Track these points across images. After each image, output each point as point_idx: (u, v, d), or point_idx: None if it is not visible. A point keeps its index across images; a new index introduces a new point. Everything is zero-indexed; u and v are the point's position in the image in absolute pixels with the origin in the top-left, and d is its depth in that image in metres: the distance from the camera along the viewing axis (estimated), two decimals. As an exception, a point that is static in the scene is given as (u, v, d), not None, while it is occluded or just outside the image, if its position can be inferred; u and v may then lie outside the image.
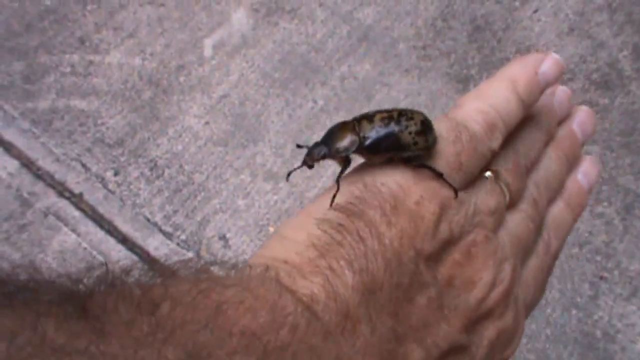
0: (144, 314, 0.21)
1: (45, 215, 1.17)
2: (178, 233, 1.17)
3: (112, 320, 0.21)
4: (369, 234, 0.29)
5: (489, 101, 0.34)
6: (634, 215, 1.21)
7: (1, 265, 0.21)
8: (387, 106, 1.29)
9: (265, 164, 1.24)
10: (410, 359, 0.28)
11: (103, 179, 1.22)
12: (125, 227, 1.17)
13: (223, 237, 1.17)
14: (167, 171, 1.23)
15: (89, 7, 1.42)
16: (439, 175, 0.31)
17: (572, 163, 0.40)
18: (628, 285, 1.15)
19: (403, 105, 1.31)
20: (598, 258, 1.17)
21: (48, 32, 1.38)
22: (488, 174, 0.34)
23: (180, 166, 1.24)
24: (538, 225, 0.36)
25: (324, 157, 0.32)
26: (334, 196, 0.30)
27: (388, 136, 0.32)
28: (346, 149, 0.31)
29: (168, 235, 1.17)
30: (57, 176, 1.21)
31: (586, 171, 0.40)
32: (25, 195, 1.19)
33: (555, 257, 0.38)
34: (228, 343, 0.22)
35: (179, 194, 1.21)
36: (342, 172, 0.31)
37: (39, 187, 1.20)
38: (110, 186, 1.21)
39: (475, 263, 0.31)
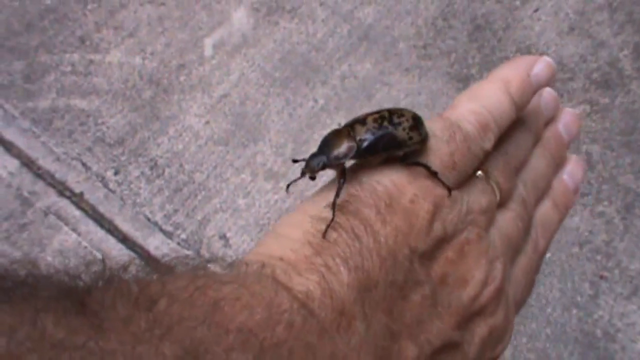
0: (142, 310, 0.21)
1: (46, 214, 1.17)
2: (178, 232, 1.17)
3: (110, 316, 0.21)
4: (364, 231, 0.29)
5: (482, 102, 0.35)
6: (634, 215, 1.21)
7: (0, 261, 0.21)
8: (387, 105, 1.29)
9: (265, 163, 1.24)
10: (404, 355, 0.29)
11: (103, 178, 1.22)
12: (125, 227, 1.17)
13: (223, 237, 1.17)
14: (167, 170, 1.23)
15: (89, 7, 1.42)
16: (433, 174, 0.31)
17: (558, 163, 0.41)
18: (628, 284, 1.15)
19: (403, 104, 1.31)
20: (598, 257, 1.17)
21: (48, 32, 1.38)
22: (479, 173, 0.35)
23: (181, 165, 1.24)
24: (527, 224, 0.37)
25: (323, 167, 0.32)
26: (334, 203, 0.30)
27: (384, 135, 0.32)
28: (345, 155, 0.32)
29: (168, 235, 1.17)
30: (57, 175, 1.21)
31: (572, 171, 0.41)
32: (25, 194, 1.19)
33: (542, 255, 0.39)
34: (225, 339, 0.22)
35: (179, 193, 1.21)
36: (341, 182, 0.31)
37: (40, 186, 1.20)
38: (111, 185, 1.21)
39: (468, 261, 0.32)
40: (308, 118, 1.29)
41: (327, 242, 0.28)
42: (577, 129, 0.42)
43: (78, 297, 0.21)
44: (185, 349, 0.21)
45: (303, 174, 0.33)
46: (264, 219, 1.19)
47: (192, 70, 1.35)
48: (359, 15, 1.43)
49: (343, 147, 0.32)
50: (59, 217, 1.17)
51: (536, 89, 0.38)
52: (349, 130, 0.33)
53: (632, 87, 1.34)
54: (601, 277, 1.15)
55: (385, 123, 0.33)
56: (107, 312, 0.21)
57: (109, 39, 1.38)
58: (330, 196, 0.30)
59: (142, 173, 1.23)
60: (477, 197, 0.33)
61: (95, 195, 1.20)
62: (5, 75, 1.32)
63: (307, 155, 0.33)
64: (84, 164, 1.23)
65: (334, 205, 0.29)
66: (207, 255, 1.12)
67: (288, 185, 0.34)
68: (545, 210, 0.39)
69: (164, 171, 1.23)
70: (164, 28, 1.40)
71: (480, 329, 0.32)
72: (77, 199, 1.19)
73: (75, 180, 1.21)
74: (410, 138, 0.32)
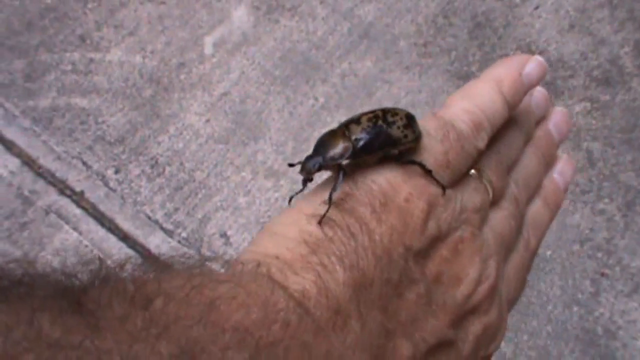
0: (138, 309, 0.21)
1: (47, 213, 1.17)
2: (179, 231, 1.17)
3: (107, 315, 0.21)
4: (360, 230, 0.29)
5: (475, 101, 0.35)
6: (635, 212, 1.21)
7: None
8: (387, 104, 1.29)
9: (266, 162, 1.24)
10: (399, 353, 0.29)
11: (104, 176, 1.22)
12: (126, 225, 1.17)
13: (224, 235, 1.17)
14: (168, 169, 1.23)
15: (89, 5, 1.42)
16: (428, 173, 0.31)
17: (548, 162, 0.41)
18: (629, 281, 1.15)
19: (404, 102, 1.31)
20: (599, 255, 1.17)
21: (49, 30, 1.38)
22: (472, 172, 0.35)
23: (181, 164, 1.24)
24: (519, 223, 0.37)
25: (319, 169, 0.32)
26: (330, 197, 0.30)
27: (379, 134, 0.32)
28: (341, 155, 0.31)
29: (169, 233, 1.17)
30: (58, 174, 1.22)
31: (562, 170, 0.42)
32: (26, 193, 1.19)
33: (534, 253, 0.39)
34: (221, 338, 0.22)
35: (179, 191, 1.21)
36: (340, 178, 0.31)
37: (40, 185, 1.20)
38: (111, 184, 1.22)
39: (462, 259, 0.32)
40: (308, 116, 1.29)
41: (322, 241, 0.28)
42: (568, 128, 0.43)
43: (74, 296, 0.21)
44: (182, 348, 0.21)
45: (304, 182, 0.32)
46: (264, 217, 1.19)
47: (193, 68, 1.35)
48: (359, 13, 1.43)
49: (339, 147, 0.32)
50: (60, 215, 1.17)
51: (528, 88, 0.38)
52: (344, 130, 0.33)
53: (632, 84, 1.34)
54: (602, 274, 1.15)
55: (380, 122, 0.33)
56: (103, 311, 0.21)
57: (110, 38, 1.38)
58: (324, 195, 0.30)
59: (143, 171, 1.23)
60: (470, 196, 0.34)
61: (95, 194, 1.20)
62: (5, 74, 1.32)
63: (303, 157, 0.33)
64: (84, 163, 1.23)
65: (330, 199, 0.29)
66: (207, 253, 1.12)
67: (291, 198, 0.34)
68: (537, 209, 0.40)
69: (164, 170, 1.23)
70: (164, 26, 1.40)
71: (474, 327, 0.32)
72: (78, 198, 1.20)
73: (75, 179, 1.21)
74: (405, 136, 0.32)
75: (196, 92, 1.32)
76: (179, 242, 1.16)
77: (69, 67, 1.34)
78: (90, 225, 1.17)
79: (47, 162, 1.23)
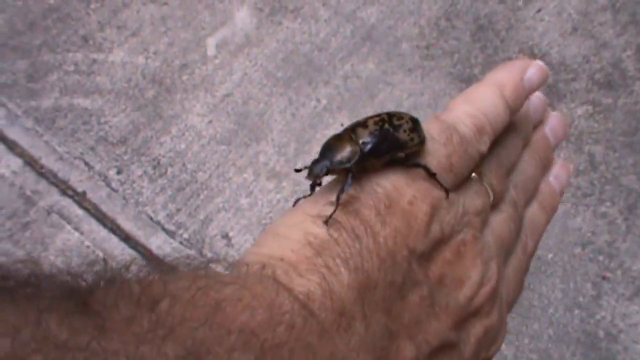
0: (144, 311, 0.22)
1: (49, 213, 1.17)
2: (181, 231, 1.17)
3: (113, 316, 0.21)
4: (364, 232, 0.29)
5: (477, 105, 0.36)
6: (636, 215, 1.21)
7: (2, 260, 0.21)
8: (390, 106, 1.29)
9: (268, 163, 1.24)
10: (403, 355, 0.29)
11: (106, 177, 1.22)
12: (128, 226, 1.18)
13: (226, 236, 1.17)
14: (170, 170, 1.23)
15: (92, 6, 1.42)
16: (432, 175, 0.32)
17: (545, 166, 0.42)
18: (631, 285, 1.15)
19: (406, 105, 1.31)
20: (601, 258, 1.17)
21: (51, 31, 1.38)
22: (473, 175, 0.35)
23: (183, 165, 1.24)
24: (518, 226, 0.38)
25: (327, 173, 0.32)
26: (338, 198, 0.30)
27: (386, 137, 0.32)
28: (349, 159, 0.31)
29: (171, 234, 1.17)
30: (60, 174, 1.22)
31: (557, 174, 0.42)
32: (28, 193, 1.19)
33: (531, 256, 0.40)
34: (227, 340, 0.22)
35: (181, 192, 1.21)
36: (345, 184, 0.31)
37: (42, 185, 1.20)
38: (113, 184, 1.22)
39: (464, 262, 0.32)
40: (311, 118, 1.29)
41: (327, 243, 0.28)
42: (564, 133, 0.43)
43: (81, 297, 0.21)
44: (188, 350, 0.21)
45: (312, 187, 0.32)
46: (266, 218, 1.19)
47: (195, 69, 1.35)
48: (361, 15, 1.43)
49: (346, 151, 0.32)
50: (62, 216, 1.17)
51: (529, 92, 0.38)
52: (350, 134, 0.33)
53: (635, 87, 1.34)
54: (603, 277, 1.15)
55: (387, 126, 0.33)
56: (109, 312, 0.21)
57: (112, 39, 1.38)
58: (329, 197, 0.30)
59: (145, 172, 1.23)
60: (472, 199, 0.34)
61: (97, 194, 1.20)
62: (8, 75, 1.32)
63: (308, 160, 0.32)
64: (86, 163, 1.23)
65: (337, 200, 0.30)
66: (209, 254, 1.12)
67: (297, 201, 0.34)
68: (534, 212, 0.40)
69: (166, 170, 1.23)
70: (166, 27, 1.40)
71: (476, 329, 0.32)
72: (80, 198, 1.20)
73: (78, 179, 1.21)
74: (412, 139, 0.32)
75: (199, 93, 1.32)
76: (181, 243, 1.16)
77: (72, 68, 1.34)
78: (92, 226, 1.17)
79: (49, 162, 1.23)
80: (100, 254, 1.14)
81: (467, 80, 1.34)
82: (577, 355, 1.09)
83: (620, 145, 1.28)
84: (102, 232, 1.17)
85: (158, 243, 1.16)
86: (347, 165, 0.31)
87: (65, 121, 1.27)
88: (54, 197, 1.19)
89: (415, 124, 0.33)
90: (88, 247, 1.15)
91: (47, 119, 1.27)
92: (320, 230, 0.29)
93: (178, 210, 1.19)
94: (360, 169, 0.32)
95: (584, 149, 1.27)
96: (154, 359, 0.20)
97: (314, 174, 0.32)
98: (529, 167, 0.40)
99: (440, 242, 0.31)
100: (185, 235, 1.17)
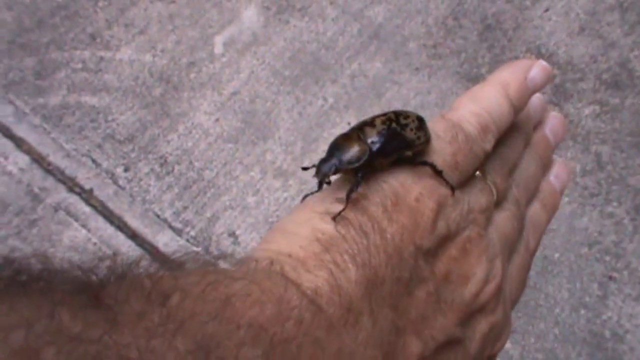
0: (155, 305, 0.22)
1: (56, 210, 1.18)
2: (188, 229, 1.18)
3: (124, 310, 0.21)
4: (372, 229, 0.29)
5: (482, 104, 0.36)
6: (644, 216, 1.21)
7: (15, 255, 0.22)
8: (397, 105, 1.29)
9: (275, 161, 1.24)
10: (409, 350, 0.29)
11: (113, 174, 1.23)
12: (135, 223, 1.18)
13: (232, 234, 1.17)
14: (177, 167, 1.24)
15: (100, 4, 1.42)
16: (438, 173, 0.32)
17: (546, 165, 0.42)
18: (637, 285, 1.15)
19: (413, 104, 1.31)
20: (607, 258, 1.17)
21: (59, 29, 1.38)
22: (477, 173, 0.35)
23: (190, 163, 1.24)
24: (520, 224, 0.38)
25: (335, 172, 0.32)
26: (348, 196, 0.30)
27: (394, 136, 0.33)
28: (358, 158, 0.32)
29: (178, 232, 1.17)
30: (67, 172, 1.22)
31: (558, 174, 0.43)
32: (35, 190, 1.20)
33: (533, 254, 0.40)
34: (236, 334, 0.23)
35: (188, 190, 1.22)
36: (356, 183, 0.31)
37: (50, 182, 1.21)
38: (121, 182, 1.22)
39: (469, 259, 0.32)
40: (318, 116, 1.30)
41: (335, 239, 0.29)
42: (563, 133, 0.44)
43: (93, 291, 0.21)
44: (198, 344, 0.21)
45: (320, 184, 0.32)
46: (273, 216, 1.19)
47: (202, 68, 1.35)
48: (369, 14, 1.43)
49: (355, 150, 0.32)
50: (69, 213, 1.18)
51: (532, 92, 0.39)
52: (358, 133, 0.33)
53: (642, 87, 1.34)
54: (610, 277, 1.15)
55: (394, 125, 0.33)
56: (121, 306, 0.21)
57: (120, 36, 1.38)
58: (336, 194, 0.31)
59: (152, 170, 1.23)
60: (477, 197, 0.34)
61: (105, 192, 1.21)
62: (16, 72, 1.33)
63: (315, 158, 0.33)
64: (94, 161, 1.24)
65: (347, 198, 0.30)
66: (216, 252, 1.12)
67: (305, 197, 0.34)
68: (535, 211, 0.40)
69: (173, 168, 1.24)
70: (174, 26, 1.40)
71: (481, 326, 0.33)
72: (87, 195, 1.20)
73: (85, 177, 1.22)
74: (418, 138, 0.33)
75: (206, 91, 1.32)
76: (188, 240, 1.16)
77: (79, 65, 1.34)
78: (99, 223, 1.18)
79: (56, 159, 1.23)
80: (108, 252, 1.14)
81: (474, 80, 1.34)
82: (583, 356, 1.09)
83: (627, 146, 1.27)
84: (109, 230, 1.17)
85: (165, 241, 1.16)
86: (356, 164, 0.31)
87: (72, 119, 1.28)
88: (61, 194, 1.20)
89: (421, 122, 0.34)
90: (95, 244, 1.15)
91: (54, 116, 1.28)
92: (328, 227, 0.29)
93: (185, 208, 1.20)
94: (368, 167, 0.32)
95: (591, 149, 1.27)
96: (164, 353, 0.21)
97: (322, 173, 0.32)
98: (530, 166, 0.40)
99: (446, 239, 0.32)
100: (192, 233, 1.17)
